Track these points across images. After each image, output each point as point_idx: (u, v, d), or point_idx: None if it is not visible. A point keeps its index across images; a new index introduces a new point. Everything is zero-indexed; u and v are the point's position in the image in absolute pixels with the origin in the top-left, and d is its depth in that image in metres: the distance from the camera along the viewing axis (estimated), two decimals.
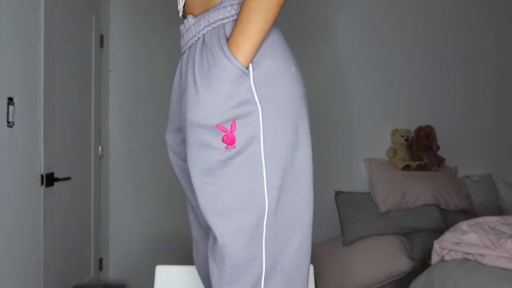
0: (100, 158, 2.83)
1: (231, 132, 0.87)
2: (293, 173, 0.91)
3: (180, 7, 1.04)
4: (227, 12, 0.93)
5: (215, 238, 0.89)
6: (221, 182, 0.88)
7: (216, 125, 0.87)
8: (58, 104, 2.18)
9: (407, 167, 2.98)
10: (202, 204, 0.90)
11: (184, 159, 1.03)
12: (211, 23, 0.93)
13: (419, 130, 3.04)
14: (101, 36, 2.84)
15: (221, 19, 0.93)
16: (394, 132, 3.11)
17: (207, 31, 0.94)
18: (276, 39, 0.94)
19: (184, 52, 1.01)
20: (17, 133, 1.77)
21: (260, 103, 0.88)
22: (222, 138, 0.87)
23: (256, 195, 0.88)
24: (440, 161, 3.05)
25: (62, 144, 2.22)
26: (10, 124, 1.72)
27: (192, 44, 0.97)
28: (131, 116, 3.01)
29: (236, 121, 0.87)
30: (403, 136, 3.06)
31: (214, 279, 0.90)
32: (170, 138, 1.13)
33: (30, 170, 1.91)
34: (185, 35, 1.00)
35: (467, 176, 3.12)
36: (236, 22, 0.90)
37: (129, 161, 3.00)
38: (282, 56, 0.93)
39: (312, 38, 3.11)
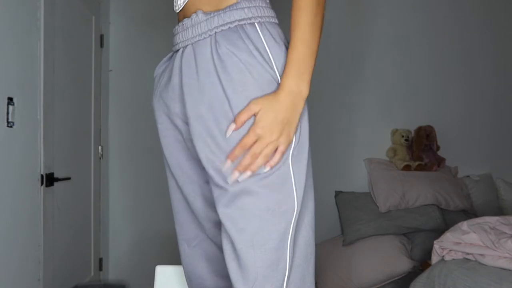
0: (100, 158, 2.83)
1: None
2: (306, 173, 0.93)
3: (182, 2, 1.00)
4: (244, 14, 0.91)
5: (237, 243, 0.87)
6: (253, 189, 0.87)
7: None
8: (58, 104, 2.17)
9: (407, 167, 2.98)
10: (221, 210, 0.88)
11: (182, 130, 1.02)
12: (228, 23, 0.91)
13: (419, 130, 3.04)
14: (101, 36, 2.84)
15: (239, 20, 0.90)
16: (394, 132, 3.11)
17: (222, 30, 0.91)
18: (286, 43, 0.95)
19: (182, 47, 0.98)
20: (17, 133, 1.77)
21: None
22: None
23: (286, 196, 0.88)
24: (440, 161, 3.04)
25: (62, 144, 2.22)
26: (10, 124, 1.71)
27: (198, 41, 0.93)
28: (131, 116, 3.00)
29: None
30: (403, 136, 3.06)
31: (239, 285, 0.88)
32: (161, 102, 1.06)
33: (30, 170, 1.91)
34: (189, 30, 0.96)
35: (467, 176, 3.12)
36: (294, 44, 0.88)
37: (129, 161, 3.00)
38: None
39: None
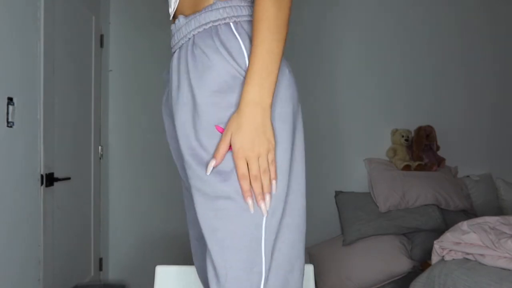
0: (100, 158, 2.83)
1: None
2: (288, 175, 0.90)
3: (173, 8, 1.03)
4: (219, 15, 0.92)
5: (209, 243, 0.87)
6: (216, 182, 0.86)
7: (216, 126, 0.86)
8: (58, 104, 2.17)
9: (407, 167, 2.98)
10: (198, 208, 0.89)
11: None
12: (202, 25, 0.92)
13: (419, 130, 3.04)
14: (101, 36, 2.84)
15: (213, 21, 0.92)
16: (394, 132, 3.11)
17: (198, 32, 0.93)
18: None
19: (174, 52, 1.01)
20: (17, 133, 1.77)
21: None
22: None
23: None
24: (440, 161, 3.04)
25: (62, 144, 2.22)
26: (10, 124, 1.71)
27: (183, 44, 0.96)
28: (131, 116, 3.00)
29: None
30: (403, 136, 3.06)
31: (213, 286, 0.88)
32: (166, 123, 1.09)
33: (30, 170, 1.91)
34: (175, 35, 0.99)
35: (467, 176, 3.12)
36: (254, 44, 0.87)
37: (129, 161, 3.00)
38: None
39: (312, 38, 3.11)
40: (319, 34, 3.12)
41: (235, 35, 0.90)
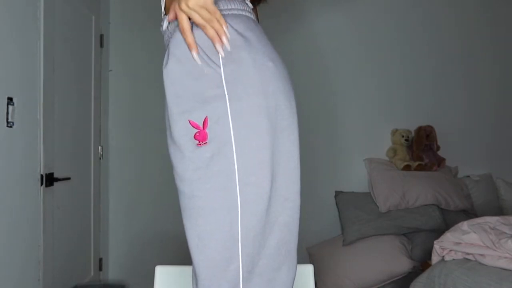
0: (100, 158, 2.83)
1: (203, 129, 0.86)
2: (271, 170, 0.88)
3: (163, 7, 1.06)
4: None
5: (188, 241, 0.88)
6: (192, 181, 0.87)
7: (189, 120, 0.87)
8: (58, 104, 2.17)
9: (407, 167, 2.97)
10: (181, 202, 0.90)
11: None
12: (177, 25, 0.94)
13: (419, 130, 3.04)
14: (101, 36, 2.84)
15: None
16: (394, 132, 3.11)
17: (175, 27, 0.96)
18: (250, 34, 0.92)
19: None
20: (16, 133, 1.77)
21: (229, 99, 0.86)
22: (194, 135, 0.86)
23: (228, 193, 0.85)
24: (440, 161, 3.04)
25: (61, 144, 2.22)
26: (9, 124, 1.71)
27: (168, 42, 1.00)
28: (131, 116, 3.00)
29: (208, 117, 0.86)
30: (403, 136, 3.06)
31: (193, 285, 0.89)
32: None
33: (30, 170, 1.91)
34: (164, 35, 1.03)
35: (467, 176, 3.12)
36: None
37: (129, 161, 3.00)
38: (257, 51, 0.90)
39: (312, 38, 3.11)
40: (319, 34, 3.12)
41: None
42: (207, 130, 0.86)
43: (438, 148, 3.07)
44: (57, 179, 2.12)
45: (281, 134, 0.90)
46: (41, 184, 1.98)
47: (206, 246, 0.86)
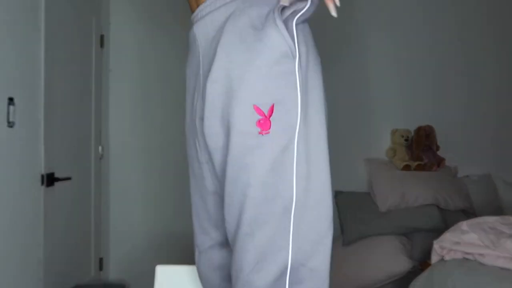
0: (100, 158, 2.83)
1: (267, 116, 0.82)
2: (322, 166, 0.89)
3: None
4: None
5: (238, 226, 0.85)
6: (249, 170, 0.83)
7: (254, 105, 0.82)
8: (59, 104, 2.18)
9: (407, 167, 2.98)
10: (227, 189, 0.86)
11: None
12: None
13: (419, 130, 3.04)
14: (101, 36, 2.84)
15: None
16: (394, 132, 3.11)
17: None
18: (306, 27, 0.90)
19: (197, 21, 0.94)
20: (17, 133, 1.77)
21: (300, 90, 0.83)
22: (257, 122, 0.82)
23: (284, 184, 0.83)
24: (440, 161, 3.05)
25: (62, 144, 2.23)
26: (10, 124, 1.72)
27: (211, 11, 0.90)
28: (131, 116, 3.01)
29: (274, 105, 0.82)
30: (403, 136, 3.06)
31: (237, 267, 0.85)
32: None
33: (31, 170, 1.91)
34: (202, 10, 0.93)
35: (467, 176, 3.12)
36: None
37: (129, 161, 3.00)
38: (313, 45, 0.90)
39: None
40: (317, 34, 3.11)
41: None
42: (271, 119, 0.82)
43: (437, 148, 3.07)
44: (57, 179, 2.12)
45: (326, 130, 0.93)
46: (42, 184, 1.98)
47: (258, 231, 0.83)
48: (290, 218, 0.83)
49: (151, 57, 2.95)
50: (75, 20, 2.46)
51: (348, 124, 3.11)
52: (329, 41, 3.12)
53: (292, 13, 0.85)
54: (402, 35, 3.18)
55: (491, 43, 3.24)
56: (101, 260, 2.85)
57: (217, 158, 0.90)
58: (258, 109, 0.82)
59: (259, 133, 0.82)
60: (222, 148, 0.88)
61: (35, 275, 1.94)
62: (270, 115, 0.82)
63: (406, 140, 3.05)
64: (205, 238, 1.06)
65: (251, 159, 0.83)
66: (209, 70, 0.88)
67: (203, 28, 0.93)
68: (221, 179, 0.91)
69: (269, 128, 0.82)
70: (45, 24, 1.99)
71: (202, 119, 0.91)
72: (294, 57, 0.83)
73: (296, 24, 0.85)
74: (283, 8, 0.84)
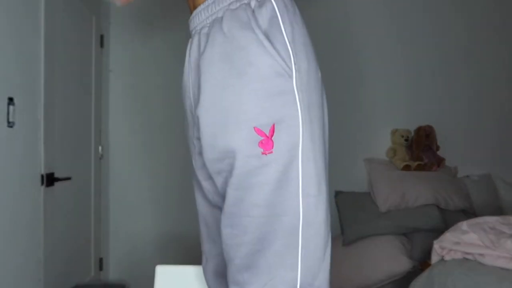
0: (100, 158, 2.84)
1: (269, 137, 0.81)
2: (325, 183, 0.90)
3: None
4: None
5: (243, 245, 0.83)
6: (254, 191, 0.82)
7: (254, 128, 0.81)
8: (58, 104, 2.18)
9: (407, 167, 2.98)
10: (229, 209, 0.85)
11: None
12: (232, 1, 0.85)
13: (419, 130, 3.04)
14: (101, 36, 2.84)
15: None
16: (394, 132, 3.11)
17: (226, 10, 0.85)
18: (308, 40, 0.88)
19: (193, 36, 0.92)
20: (17, 133, 1.77)
21: (300, 107, 0.82)
22: (259, 143, 0.81)
23: (291, 203, 0.82)
24: (440, 161, 3.05)
25: (62, 144, 2.23)
26: (10, 124, 1.72)
27: (203, 27, 0.89)
28: (131, 116, 3.01)
29: (275, 125, 0.81)
30: (402, 136, 3.06)
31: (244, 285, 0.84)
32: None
33: (31, 170, 1.91)
34: (199, 14, 0.91)
35: (467, 176, 3.12)
36: None
37: (129, 161, 3.01)
38: (313, 60, 0.88)
39: (312, 38, 3.11)
40: (317, 34, 3.12)
41: (276, 17, 0.83)
42: (273, 139, 0.81)
43: (437, 148, 3.07)
44: (57, 179, 2.12)
45: (327, 146, 0.91)
46: (42, 184, 1.98)
47: (267, 248, 0.82)
48: (298, 236, 0.83)
49: (151, 57, 2.95)
50: (75, 20, 2.46)
51: (348, 124, 3.11)
52: (330, 40, 3.12)
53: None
54: (402, 35, 3.18)
55: (492, 43, 3.24)
56: (101, 260, 2.85)
57: (219, 180, 0.89)
58: (259, 131, 0.81)
59: (262, 153, 0.81)
60: (221, 172, 0.87)
61: (35, 275, 1.94)
62: (272, 135, 0.81)
63: (406, 140, 3.06)
64: (212, 246, 1.04)
65: (256, 180, 0.82)
66: (198, 93, 0.87)
67: (196, 40, 0.91)
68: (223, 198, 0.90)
69: (272, 148, 0.81)
70: (45, 24, 1.99)
71: (199, 139, 0.91)
72: (290, 75, 0.82)
73: (292, 33, 0.85)
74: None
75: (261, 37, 0.81)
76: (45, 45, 2.00)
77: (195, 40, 0.92)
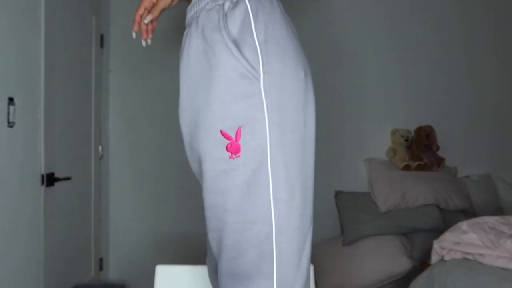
0: (100, 158, 2.84)
1: (235, 140, 0.80)
2: (300, 187, 0.85)
3: None
4: None
5: (223, 250, 0.83)
6: (224, 195, 0.81)
7: (220, 131, 0.81)
8: (59, 104, 2.18)
9: (407, 167, 2.98)
10: (206, 213, 0.85)
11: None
12: (208, 2, 0.85)
13: (419, 130, 3.04)
14: (101, 36, 2.84)
15: None
16: (394, 132, 3.11)
17: (202, 10, 0.86)
18: (287, 41, 0.87)
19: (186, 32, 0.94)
20: (17, 133, 1.77)
21: (267, 110, 0.81)
22: (226, 147, 0.80)
23: (262, 209, 0.81)
24: (440, 161, 3.05)
25: (62, 144, 2.23)
26: (10, 124, 1.72)
27: (187, 26, 0.91)
28: (131, 116, 3.01)
29: (241, 128, 0.80)
30: (402, 136, 3.06)
31: None
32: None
33: (31, 170, 1.91)
34: (192, 7, 0.92)
35: (467, 176, 3.12)
36: None
37: (129, 161, 3.01)
38: (292, 60, 0.86)
39: (310, 38, 3.11)
40: (317, 34, 3.12)
41: (249, 17, 0.83)
42: (240, 142, 0.80)
43: (437, 148, 3.07)
44: (57, 179, 2.12)
45: (308, 149, 0.87)
46: (42, 184, 1.98)
47: (242, 256, 0.81)
48: (272, 244, 0.81)
49: (151, 57, 2.95)
50: (75, 20, 2.46)
51: (348, 124, 3.11)
52: (329, 39, 3.12)
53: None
54: (403, 35, 3.18)
55: (491, 43, 3.24)
56: (101, 260, 2.85)
57: (201, 182, 0.89)
58: (225, 134, 0.81)
59: (230, 157, 0.80)
60: (200, 175, 0.87)
61: (35, 275, 1.94)
62: (239, 139, 0.80)
63: (406, 140, 3.06)
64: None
65: (225, 184, 0.81)
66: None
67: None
68: None
69: (239, 152, 0.80)
70: (45, 24, 1.99)
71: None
72: (257, 78, 0.81)
73: (266, 35, 0.83)
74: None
75: (227, 39, 0.81)
76: (45, 45, 2.00)
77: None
